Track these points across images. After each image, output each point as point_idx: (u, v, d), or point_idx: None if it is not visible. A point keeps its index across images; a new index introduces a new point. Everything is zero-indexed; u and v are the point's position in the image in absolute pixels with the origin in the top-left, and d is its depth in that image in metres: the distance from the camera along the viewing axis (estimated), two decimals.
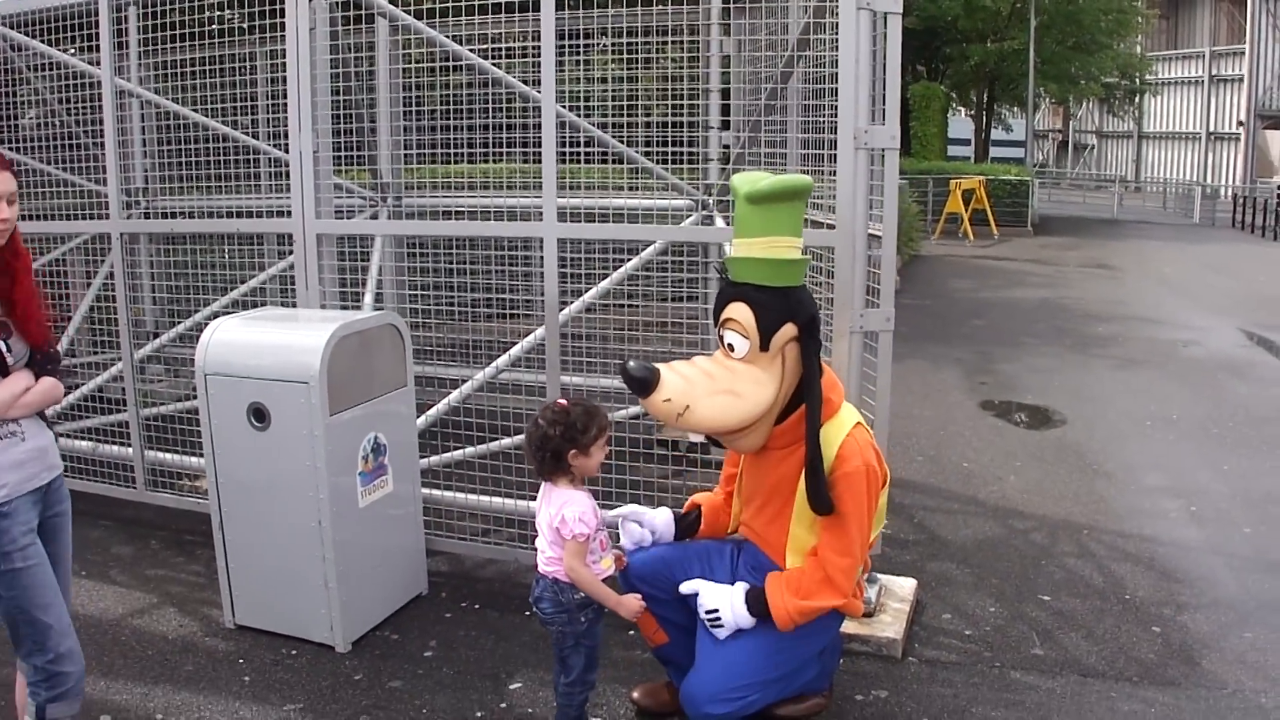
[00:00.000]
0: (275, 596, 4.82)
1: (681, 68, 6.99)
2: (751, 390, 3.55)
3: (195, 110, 6.84)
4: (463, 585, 5.50)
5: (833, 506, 3.53)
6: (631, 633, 4.51)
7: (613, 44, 7.01)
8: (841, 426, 3.66)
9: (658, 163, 6.78)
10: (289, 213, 5.57)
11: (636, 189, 7.43)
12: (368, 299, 6.59)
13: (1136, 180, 54.52)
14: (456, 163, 7.17)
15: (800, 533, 3.74)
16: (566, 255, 5.46)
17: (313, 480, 4.53)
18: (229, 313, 5.57)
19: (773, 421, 3.68)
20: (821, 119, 4.98)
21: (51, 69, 6.94)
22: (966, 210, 26.40)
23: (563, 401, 3.75)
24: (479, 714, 4.24)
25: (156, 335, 7.23)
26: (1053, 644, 4.87)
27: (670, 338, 6.57)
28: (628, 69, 6.76)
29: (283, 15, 5.37)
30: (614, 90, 6.69)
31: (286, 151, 5.60)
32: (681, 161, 6.93)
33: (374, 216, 7.65)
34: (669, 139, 6.69)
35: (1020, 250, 24.37)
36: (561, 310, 5.42)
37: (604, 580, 3.75)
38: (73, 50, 6.75)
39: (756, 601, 3.65)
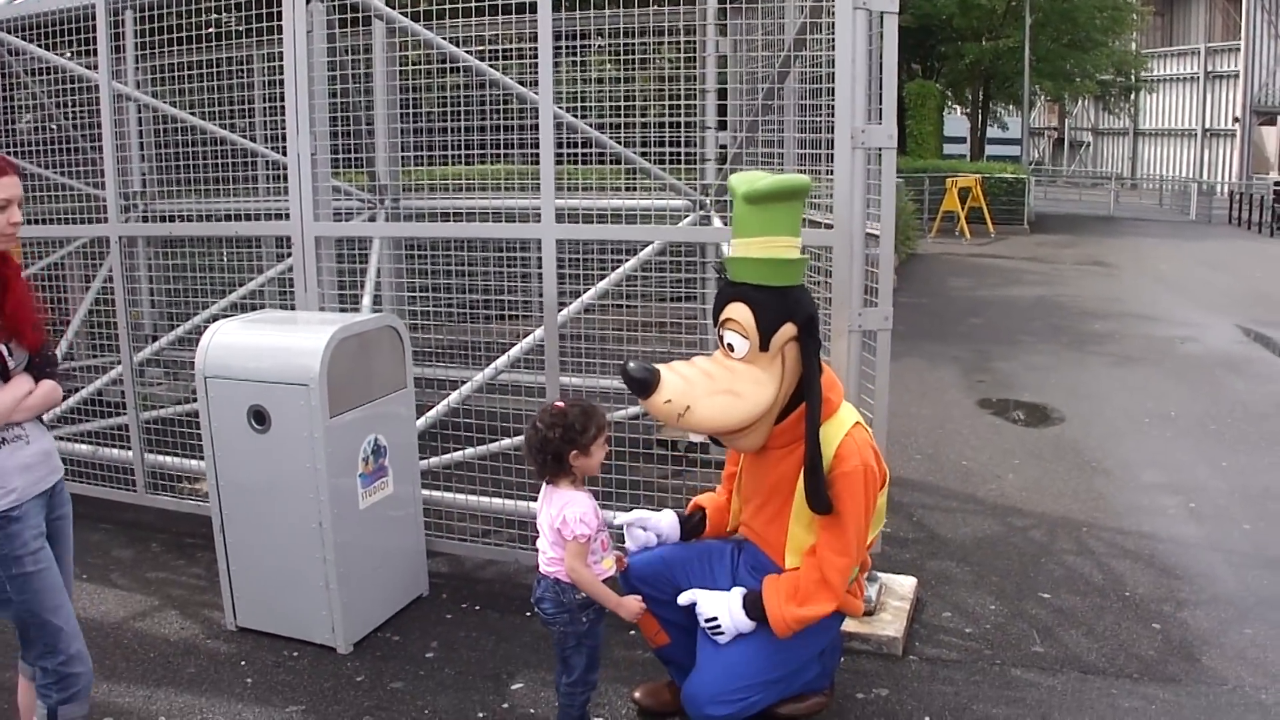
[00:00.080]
0: (276, 598, 4.82)
1: (678, 68, 7.00)
2: (751, 390, 3.56)
3: (192, 114, 6.84)
4: (463, 586, 5.51)
5: (831, 506, 3.54)
6: (633, 633, 4.52)
7: (609, 45, 7.01)
8: (840, 426, 3.66)
9: (655, 163, 6.79)
10: (287, 215, 5.58)
11: (634, 190, 7.44)
12: (366, 301, 6.60)
13: (1132, 177, 54.59)
14: (454, 164, 7.16)
15: (799, 532, 3.74)
16: (565, 256, 5.46)
17: (313, 482, 4.54)
18: (227, 315, 5.57)
19: (773, 421, 3.68)
20: (818, 119, 4.99)
21: (48, 73, 6.94)
22: (963, 208, 26.42)
23: (559, 403, 3.75)
24: (481, 714, 4.25)
25: (155, 338, 7.23)
26: (1053, 641, 4.88)
27: (669, 338, 6.57)
28: (624, 70, 6.77)
29: (279, 18, 5.38)
30: (611, 91, 6.70)
31: (284, 154, 5.60)
32: (678, 162, 6.94)
33: (371, 219, 7.66)
34: (666, 139, 6.70)
35: (1017, 248, 24.40)
36: (560, 311, 5.43)
37: (605, 581, 3.75)
38: (69, 54, 6.76)
39: (754, 606, 3.66)
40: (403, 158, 7.69)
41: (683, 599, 3.75)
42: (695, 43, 7.08)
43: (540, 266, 5.24)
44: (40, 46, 6.60)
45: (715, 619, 3.66)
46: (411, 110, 7.41)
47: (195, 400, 4.83)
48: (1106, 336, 13.04)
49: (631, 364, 3.60)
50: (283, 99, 5.45)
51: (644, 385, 3.56)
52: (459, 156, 6.80)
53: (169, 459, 6.32)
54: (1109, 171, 54.60)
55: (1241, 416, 8.98)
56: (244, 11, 5.84)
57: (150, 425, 6.43)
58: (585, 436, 3.67)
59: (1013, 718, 4.22)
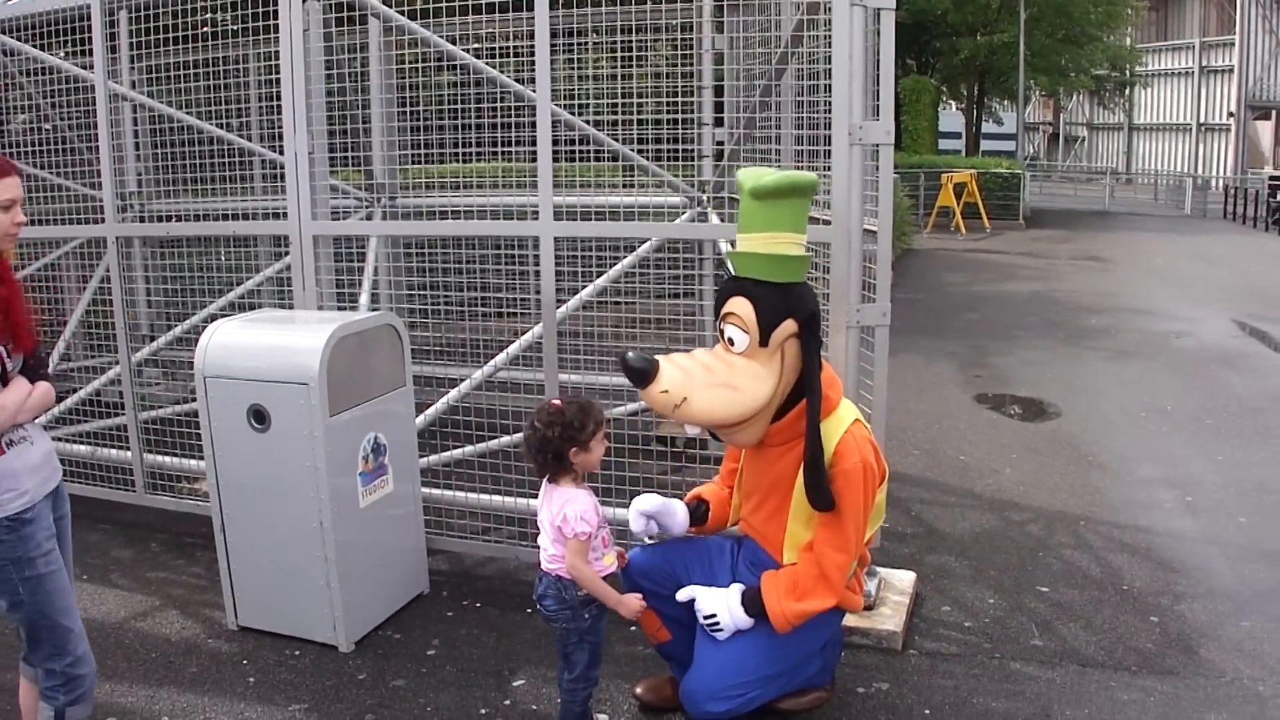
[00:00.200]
0: (277, 597, 4.83)
1: (675, 65, 7.01)
2: (749, 385, 3.56)
3: (188, 113, 6.84)
4: (464, 584, 5.52)
5: (833, 503, 3.54)
6: (634, 629, 4.53)
7: (606, 42, 7.02)
8: (840, 423, 3.67)
9: (652, 160, 6.79)
10: (285, 214, 5.58)
11: (631, 187, 7.45)
12: (364, 299, 6.60)
13: (1127, 172, 54.61)
14: (451, 162, 7.17)
15: (797, 529, 3.75)
16: (563, 253, 5.47)
17: (313, 481, 4.55)
18: (225, 315, 5.57)
19: (770, 417, 3.68)
20: (815, 115, 5.00)
21: (43, 73, 6.93)
22: (958, 204, 26.45)
23: (556, 402, 3.76)
24: (483, 711, 4.26)
25: (152, 338, 7.23)
26: (1052, 634, 4.90)
27: (666, 334, 6.59)
28: (621, 67, 6.78)
29: (275, 17, 5.38)
30: (608, 88, 6.70)
31: (281, 153, 5.60)
32: (676, 159, 6.94)
33: (368, 217, 7.66)
34: (663, 136, 6.70)
35: (1012, 243, 24.42)
36: (558, 308, 5.44)
37: (606, 577, 3.76)
38: (63, 54, 6.75)
39: (753, 602, 3.66)
40: (400, 156, 7.69)
41: (681, 595, 3.75)
42: (692, 39, 7.09)
43: (538, 264, 5.25)
44: (35, 47, 6.59)
45: (714, 616, 3.67)
46: (409, 108, 7.41)
47: (194, 400, 4.83)
48: (1102, 331, 13.07)
49: (630, 354, 3.61)
50: (279, 98, 5.45)
51: (642, 375, 3.57)
52: (456, 154, 6.80)
53: (168, 459, 6.32)
54: (1104, 166, 54.55)
55: (1237, 410, 9.00)
56: (239, 10, 5.83)
57: (149, 425, 6.43)
58: (584, 433, 3.67)
59: (1012, 711, 4.23)
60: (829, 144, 4.59)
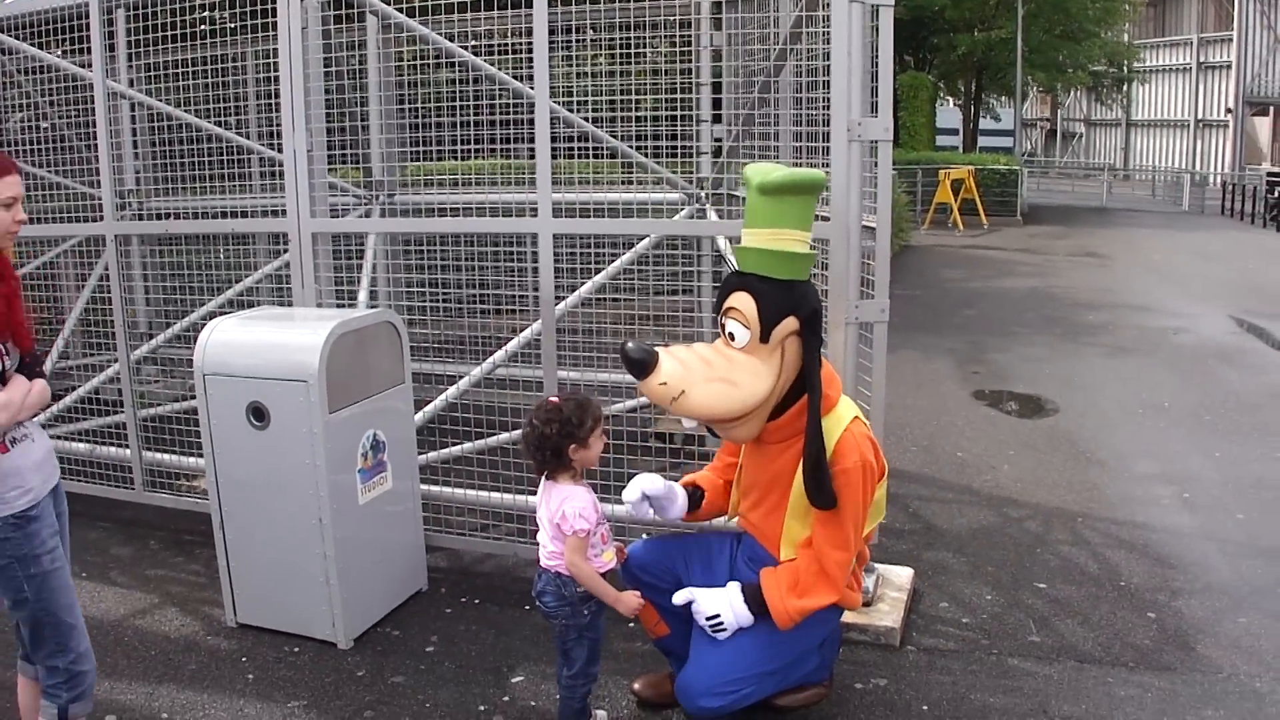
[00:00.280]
0: (276, 594, 4.84)
1: (673, 62, 7.01)
2: (748, 380, 3.56)
3: (187, 111, 6.84)
4: (462, 580, 5.53)
5: (835, 502, 3.55)
6: (632, 625, 4.54)
7: (604, 39, 7.02)
8: (839, 421, 3.67)
9: (650, 157, 6.80)
10: (283, 212, 5.58)
11: (630, 183, 7.45)
12: (362, 297, 6.60)
13: (1125, 168, 54.60)
14: (450, 159, 7.17)
15: (794, 525, 3.75)
16: (561, 250, 5.47)
17: (312, 478, 4.55)
18: (224, 313, 5.57)
19: (767, 414, 3.68)
20: (814, 112, 5.00)
21: (41, 72, 6.93)
22: (956, 200, 26.44)
23: (553, 399, 3.77)
24: (482, 708, 4.27)
25: (150, 336, 7.23)
26: (1049, 631, 4.91)
27: (665, 331, 6.59)
28: (620, 64, 6.78)
29: (273, 15, 5.38)
30: (606, 85, 6.70)
31: (279, 151, 5.60)
32: (674, 156, 6.94)
33: (367, 214, 7.66)
34: (661, 133, 6.71)
35: (1009, 239, 24.43)
36: (557, 305, 5.44)
37: (605, 573, 3.77)
38: (61, 53, 6.75)
39: (754, 599, 3.66)
40: (398, 153, 7.69)
41: (679, 599, 3.74)
42: (690, 36, 7.09)
43: (536, 261, 5.25)
44: (33, 45, 6.58)
45: (717, 615, 3.66)
46: (407, 106, 7.41)
47: (192, 398, 4.84)
48: (1100, 327, 13.08)
49: (630, 344, 3.60)
50: (278, 95, 5.45)
51: (642, 366, 3.57)
52: (455, 152, 6.80)
53: (167, 456, 6.33)
54: (1102, 162, 54.54)
55: (1235, 407, 9.02)
56: (237, 8, 5.83)
57: (148, 423, 6.44)
58: (582, 429, 3.68)
59: (1010, 707, 4.25)
60: (828, 140, 4.59)
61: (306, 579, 4.69)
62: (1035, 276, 18.15)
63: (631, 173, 7.29)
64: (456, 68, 6.80)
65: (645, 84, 6.71)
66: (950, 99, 44.45)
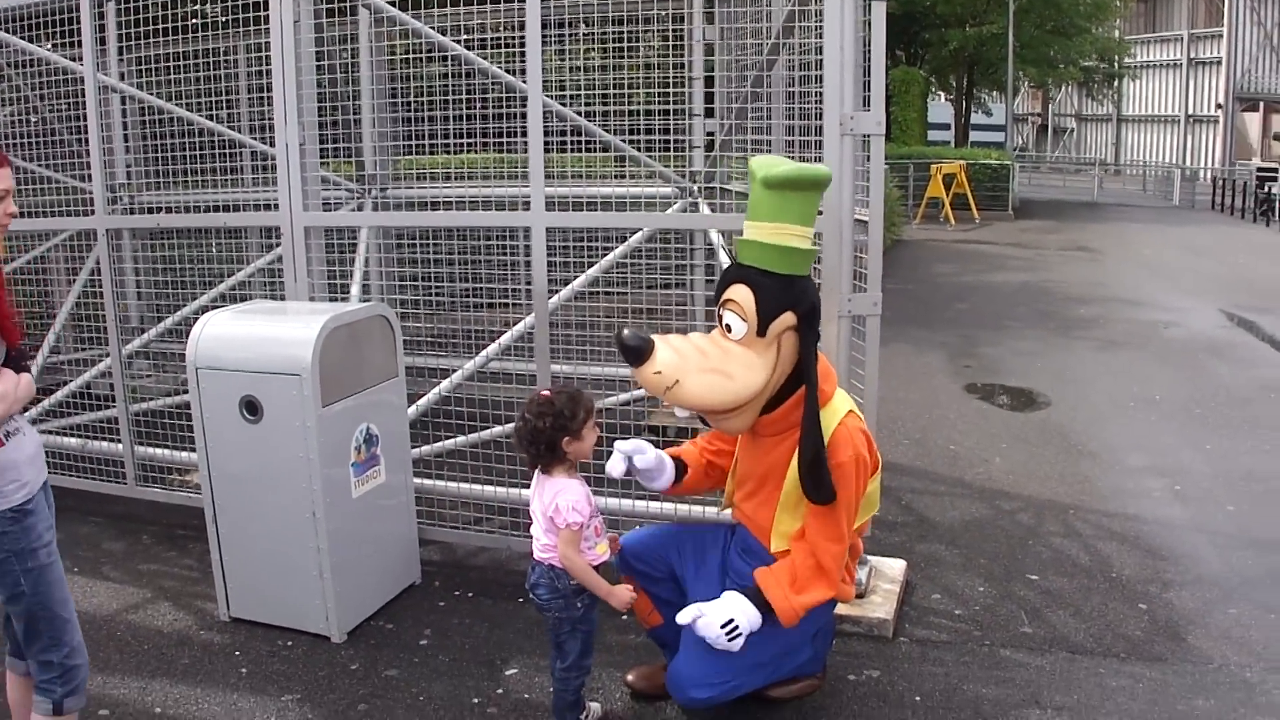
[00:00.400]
0: (270, 588, 4.83)
1: (666, 56, 7.01)
2: (742, 373, 3.56)
3: (178, 105, 6.82)
4: (456, 574, 5.53)
5: (834, 498, 3.55)
6: (626, 617, 4.54)
7: (597, 32, 7.02)
8: (834, 415, 3.67)
9: (642, 151, 6.80)
10: (276, 206, 5.57)
11: (622, 177, 7.45)
12: (355, 290, 6.59)
13: (1116, 163, 54.73)
14: (442, 153, 7.16)
15: (785, 518, 3.75)
16: (554, 244, 5.46)
17: (306, 472, 4.55)
18: (216, 307, 5.57)
19: (760, 407, 3.68)
20: (807, 106, 5.00)
21: (32, 65, 6.91)
22: (947, 195, 26.49)
23: (545, 392, 3.77)
24: (475, 700, 4.27)
25: (142, 330, 7.21)
26: (1041, 622, 4.93)
27: (659, 324, 6.59)
28: (613, 57, 6.78)
29: (265, 8, 5.37)
30: (598, 79, 6.70)
31: (271, 145, 5.60)
32: (666, 149, 6.95)
33: (359, 208, 7.66)
34: (654, 127, 6.71)
35: (1001, 234, 24.45)
36: (549, 299, 5.44)
37: (599, 566, 3.77)
38: (51, 46, 6.73)
39: (756, 600, 3.63)
40: (391, 147, 7.68)
41: (683, 618, 3.62)
42: (683, 30, 7.09)
43: (529, 254, 5.25)
44: (23, 38, 6.56)
45: (731, 620, 3.57)
46: (399, 99, 7.40)
47: (184, 392, 4.83)
48: (1091, 321, 13.11)
49: (626, 331, 3.60)
50: (270, 89, 5.44)
51: (637, 354, 3.56)
52: (447, 145, 6.80)
53: (159, 451, 6.32)
54: (1093, 157, 54.73)
55: (1225, 400, 9.04)
56: (229, 1, 5.82)
57: (140, 418, 6.43)
58: (575, 422, 3.68)
59: (1002, 698, 4.26)
60: (820, 135, 4.60)
61: (300, 573, 4.69)
62: (1027, 271, 18.18)
63: (624, 167, 7.29)
64: (449, 61, 6.80)
65: (638, 78, 6.71)
66: (942, 94, 44.51)
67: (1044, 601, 5.15)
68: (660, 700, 4.19)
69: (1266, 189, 29.21)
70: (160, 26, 6.26)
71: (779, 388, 3.67)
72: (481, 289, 7.17)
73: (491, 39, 7.24)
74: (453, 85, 6.73)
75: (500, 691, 4.34)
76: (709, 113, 7.11)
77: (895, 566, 5.30)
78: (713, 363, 3.58)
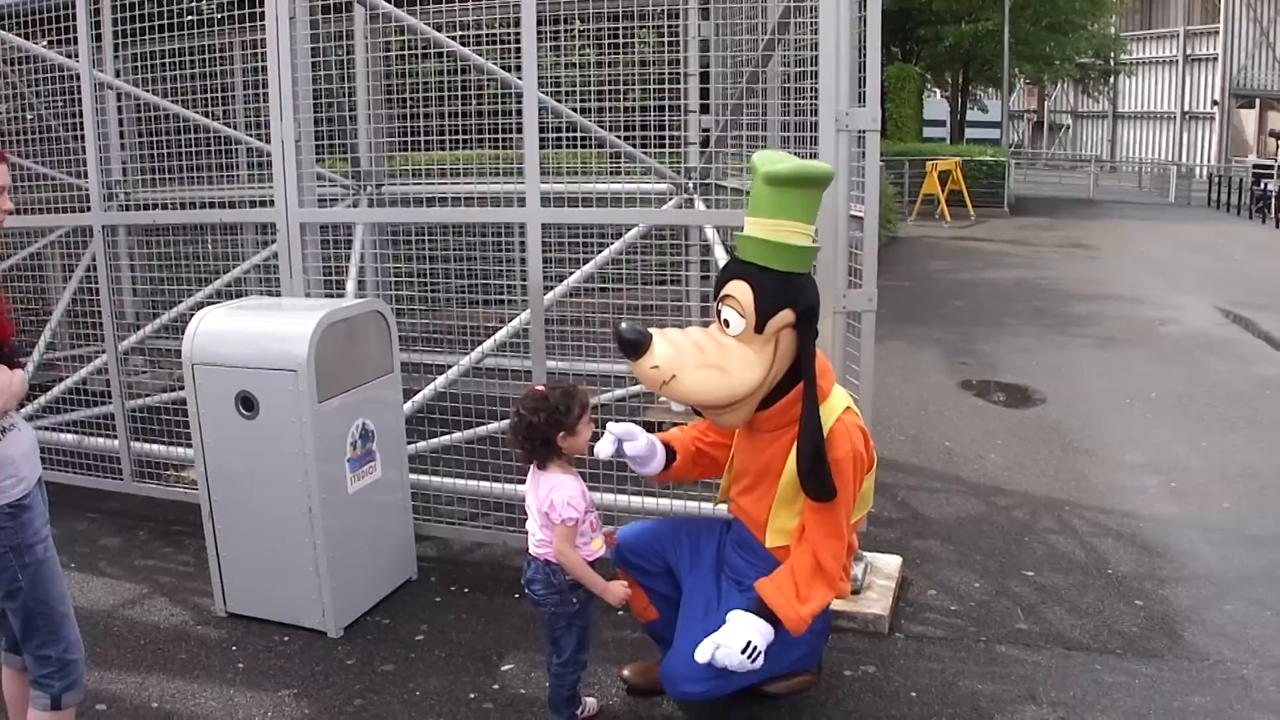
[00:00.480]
0: (266, 584, 4.84)
1: (661, 52, 7.01)
2: (739, 369, 3.56)
3: (174, 101, 6.81)
4: (452, 569, 5.53)
5: (835, 495, 3.54)
6: (622, 612, 4.54)
7: (592, 29, 7.02)
8: (831, 411, 3.66)
9: (638, 147, 6.80)
10: (271, 202, 5.57)
11: (618, 174, 7.45)
12: (350, 287, 6.59)
13: (1112, 160, 54.78)
14: (438, 150, 7.16)
15: (781, 513, 3.75)
16: (550, 240, 5.46)
17: (301, 467, 4.55)
18: (211, 303, 5.56)
19: (757, 402, 3.68)
20: (802, 102, 5.00)
21: (27, 62, 6.90)
22: (943, 191, 26.50)
23: (540, 387, 3.77)
24: (472, 696, 4.27)
25: (138, 327, 7.21)
26: (1037, 618, 4.93)
27: (654, 320, 6.59)
28: (608, 54, 6.77)
29: (261, 5, 5.36)
30: (594, 75, 6.70)
31: (267, 141, 5.60)
32: (662, 146, 6.94)
33: (355, 205, 7.65)
34: (649, 123, 6.71)
35: (997, 231, 24.48)
36: (545, 295, 5.44)
37: (594, 561, 3.77)
38: (47, 43, 6.72)
39: (762, 613, 3.60)
40: (386, 144, 7.67)
41: (701, 657, 3.56)
42: (678, 26, 7.09)
43: (524, 251, 5.25)
44: (19, 35, 6.56)
45: (748, 643, 3.53)
46: (395, 96, 7.39)
47: (180, 388, 4.83)
48: (1087, 318, 13.12)
49: (624, 325, 3.59)
50: (265, 86, 5.44)
51: (635, 347, 3.56)
52: (444, 142, 6.80)
53: (155, 447, 6.32)
54: (1088, 154, 54.77)
55: (1221, 397, 9.06)
56: None
57: (136, 414, 6.42)
58: (570, 417, 3.68)
59: (998, 693, 4.27)
60: (815, 130, 4.60)
61: (296, 568, 4.69)
62: (1022, 268, 18.20)
63: (620, 163, 7.29)
64: (444, 58, 6.79)
65: (633, 74, 6.71)
66: (938, 91, 44.47)
67: (1039, 598, 5.16)
68: (656, 695, 4.19)
69: (1262, 186, 29.24)
70: (156, 23, 6.25)
71: (776, 384, 3.67)
72: (477, 285, 7.17)
73: (487, 35, 7.23)
74: (448, 81, 6.72)
75: (496, 687, 4.34)
76: (704, 109, 7.11)
77: (891, 562, 5.30)
78: (710, 358, 3.57)
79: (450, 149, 7.01)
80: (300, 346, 4.46)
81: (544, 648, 4.00)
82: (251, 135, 6.95)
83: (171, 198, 7.51)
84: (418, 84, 7.06)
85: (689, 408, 3.80)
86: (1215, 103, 49.93)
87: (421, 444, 5.89)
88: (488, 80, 6.54)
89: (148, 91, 6.84)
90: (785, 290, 3.56)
